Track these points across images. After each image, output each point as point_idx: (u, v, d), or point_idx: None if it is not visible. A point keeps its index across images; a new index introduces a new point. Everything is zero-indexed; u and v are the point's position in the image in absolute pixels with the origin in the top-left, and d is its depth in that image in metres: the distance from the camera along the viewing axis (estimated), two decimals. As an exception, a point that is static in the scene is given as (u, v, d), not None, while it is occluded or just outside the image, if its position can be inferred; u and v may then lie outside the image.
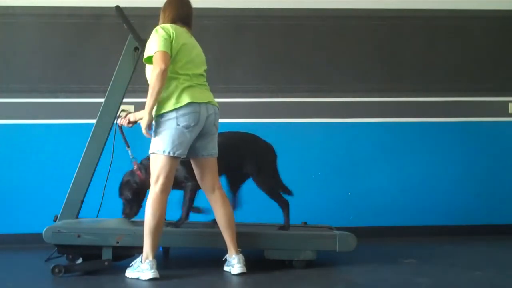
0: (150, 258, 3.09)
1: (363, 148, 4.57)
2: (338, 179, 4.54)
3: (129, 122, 3.42)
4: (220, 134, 3.36)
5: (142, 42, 3.48)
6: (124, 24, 3.50)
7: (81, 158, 3.46)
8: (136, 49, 3.50)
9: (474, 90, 4.66)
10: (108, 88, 3.51)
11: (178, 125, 3.05)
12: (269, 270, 3.29)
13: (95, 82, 4.28)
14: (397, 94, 4.60)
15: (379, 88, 4.59)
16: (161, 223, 3.11)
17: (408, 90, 4.61)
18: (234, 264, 3.16)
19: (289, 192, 3.68)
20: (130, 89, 3.58)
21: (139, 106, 4.20)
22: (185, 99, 3.07)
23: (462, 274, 3.27)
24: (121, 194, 3.52)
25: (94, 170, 3.45)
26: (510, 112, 4.68)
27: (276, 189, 3.58)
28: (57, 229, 3.23)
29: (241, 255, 3.19)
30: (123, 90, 3.50)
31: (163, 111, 3.07)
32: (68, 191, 3.43)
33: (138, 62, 3.46)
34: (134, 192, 3.48)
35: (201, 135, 3.16)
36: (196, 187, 3.44)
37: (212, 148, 3.22)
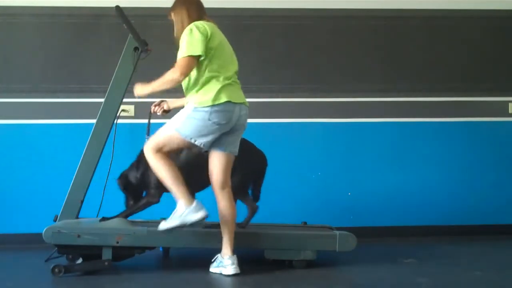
0: (189, 203, 3.09)
1: (363, 148, 4.56)
2: (338, 179, 4.53)
3: (164, 111, 3.47)
4: None
5: (142, 42, 3.49)
6: (124, 24, 3.49)
7: (81, 158, 3.46)
8: (136, 49, 3.49)
9: (474, 90, 4.65)
10: (108, 88, 3.51)
11: (209, 120, 3.09)
12: (269, 270, 3.29)
13: (95, 82, 4.28)
14: (397, 94, 4.60)
15: (379, 88, 4.59)
16: (176, 170, 3.14)
17: (408, 90, 4.61)
18: (228, 265, 3.15)
19: (257, 200, 3.62)
20: (130, 89, 3.58)
21: (139, 106, 4.23)
22: (223, 98, 3.11)
23: (462, 274, 3.27)
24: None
25: (94, 170, 3.45)
26: (510, 112, 4.68)
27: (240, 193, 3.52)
28: (57, 229, 3.23)
29: (235, 255, 3.19)
30: (123, 90, 3.50)
31: (200, 106, 3.10)
32: (68, 191, 3.43)
33: (138, 62, 3.45)
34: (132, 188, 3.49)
35: (230, 132, 3.19)
36: (151, 203, 3.45)
37: (235, 146, 3.25)
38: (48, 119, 4.35)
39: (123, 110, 3.94)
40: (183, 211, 3.14)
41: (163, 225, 3.16)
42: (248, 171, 3.54)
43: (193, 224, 3.14)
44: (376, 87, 4.59)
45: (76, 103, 4.37)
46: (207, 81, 3.13)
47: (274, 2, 4.55)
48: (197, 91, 3.14)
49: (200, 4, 3.29)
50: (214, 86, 3.12)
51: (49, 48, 4.40)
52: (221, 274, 3.16)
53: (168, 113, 3.47)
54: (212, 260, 3.24)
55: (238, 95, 3.21)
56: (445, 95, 4.63)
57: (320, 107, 4.55)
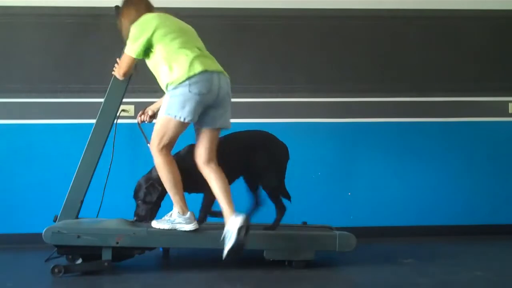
0: (183, 212, 3.20)
1: (363, 148, 4.56)
2: (338, 179, 4.53)
3: (150, 117, 3.50)
4: (233, 134, 3.40)
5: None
6: (124, 24, 3.49)
7: (81, 158, 3.46)
8: (136, 49, 3.49)
9: (474, 90, 4.65)
10: (108, 88, 3.51)
11: (190, 92, 3.10)
12: (269, 270, 3.29)
13: (95, 82, 4.28)
14: (397, 94, 4.60)
15: (379, 88, 4.59)
16: (178, 178, 3.20)
17: (408, 90, 4.61)
18: (237, 229, 3.07)
19: (289, 198, 3.67)
20: (130, 89, 3.58)
21: (139, 106, 4.21)
22: (198, 68, 3.13)
23: (462, 274, 3.27)
24: (141, 196, 3.42)
25: (94, 170, 3.45)
26: (510, 112, 4.67)
27: (278, 191, 3.56)
28: (57, 230, 3.23)
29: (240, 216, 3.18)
30: (123, 90, 3.50)
31: (178, 82, 3.12)
32: (68, 191, 3.43)
33: (138, 61, 3.45)
34: (159, 195, 3.43)
35: (216, 105, 3.21)
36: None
37: (225, 119, 3.27)
38: (48, 119, 4.35)
39: (123, 110, 3.94)
40: (176, 218, 3.22)
41: (154, 224, 3.26)
42: (277, 166, 3.57)
43: None
44: (376, 87, 4.59)
45: (76, 103, 4.37)
46: (175, 58, 3.16)
47: (274, 2, 4.55)
48: (170, 71, 3.16)
49: (147, 2, 3.34)
50: (184, 60, 3.15)
51: (49, 48, 4.40)
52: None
53: (155, 117, 3.47)
54: (221, 239, 3.17)
55: (213, 64, 3.22)
56: (445, 95, 4.63)
57: (320, 107, 4.55)
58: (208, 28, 4.32)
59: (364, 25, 4.60)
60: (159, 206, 3.47)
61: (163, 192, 3.39)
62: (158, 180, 3.33)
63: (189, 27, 3.35)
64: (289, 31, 4.56)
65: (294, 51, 4.56)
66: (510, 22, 4.69)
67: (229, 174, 3.29)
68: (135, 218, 3.43)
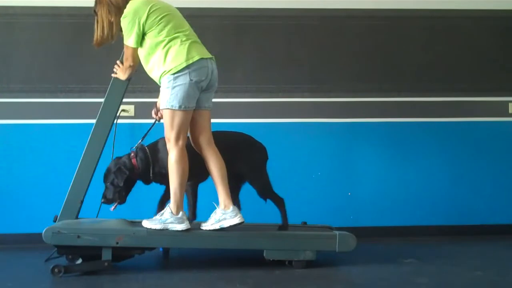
0: (177, 212, 3.19)
1: (363, 148, 4.56)
2: (338, 179, 4.53)
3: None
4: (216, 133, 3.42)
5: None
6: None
7: (81, 158, 3.46)
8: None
9: (474, 90, 4.65)
10: (108, 88, 3.51)
11: (191, 80, 3.15)
12: (269, 270, 3.29)
13: (95, 82, 4.28)
14: (397, 94, 4.60)
15: (379, 88, 4.59)
16: (186, 179, 3.22)
17: (408, 90, 4.61)
18: (234, 216, 3.18)
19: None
20: (130, 89, 3.58)
21: (139, 106, 4.23)
22: (195, 55, 3.18)
23: (462, 274, 3.27)
24: (109, 179, 3.47)
25: (94, 170, 3.46)
26: (510, 112, 4.67)
27: (270, 187, 3.56)
28: (57, 230, 3.22)
29: (235, 206, 3.24)
30: (123, 90, 3.50)
31: (177, 70, 3.15)
32: (68, 191, 3.43)
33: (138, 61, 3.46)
34: (126, 179, 3.45)
35: (207, 88, 3.28)
36: (196, 184, 3.48)
37: (211, 100, 3.36)
38: (48, 119, 4.35)
39: (123, 110, 3.95)
40: (168, 218, 3.21)
41: (146, 224, 3.24)
42: (256, 165, 3.57)
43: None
44: (376, 87, 4.59)
45: (76, 103, 4.37)
46: (171, 45, 3.18)
47: (274, 2, 4.55)
48: (165, 60, 3.17)
49: None
50: (181, 48, 3.17)
51: (49, 48, 4.39)
52: (222, 228, 3.19)
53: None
54: (207, 220, 3.26)
55: (205, 51, 3.29)
56: (445, 95, 4.63)
57: (320, 107, 4.55)
58: (208, 28, 4.33)
59: (364, 25, 4.60)
60: (128, 191, 3.50)
61: (132, 177, 3.45)
62: (125, 165, 3.42)
63: (174, 7, 3.35)
64: (289, 31, 4.56)
65: (295, 51, 4.56)
66: (510, 22, 4.69)
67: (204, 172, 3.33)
68: (102, 200, 3.48)
